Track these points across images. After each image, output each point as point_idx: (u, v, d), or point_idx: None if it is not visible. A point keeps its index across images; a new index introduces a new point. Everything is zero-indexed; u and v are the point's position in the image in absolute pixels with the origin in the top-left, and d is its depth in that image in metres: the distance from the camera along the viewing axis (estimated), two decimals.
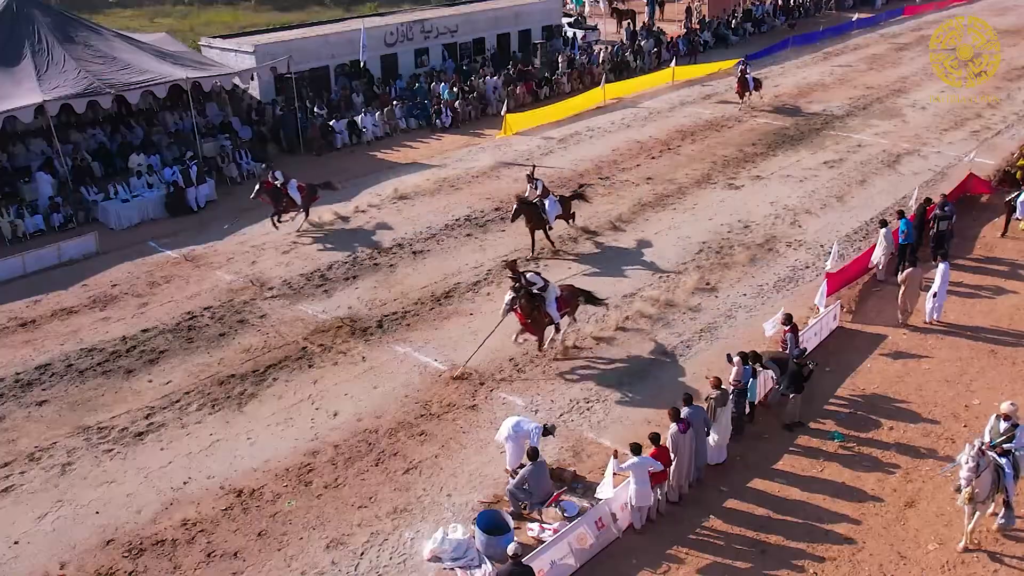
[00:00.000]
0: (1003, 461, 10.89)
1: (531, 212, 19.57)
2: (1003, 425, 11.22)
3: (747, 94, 31.74)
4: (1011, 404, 11.36)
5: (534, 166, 21.88)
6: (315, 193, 21.99)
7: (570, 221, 20.92)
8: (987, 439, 11.21)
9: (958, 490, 10.83)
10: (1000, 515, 11.27)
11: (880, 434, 13.67)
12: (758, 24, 47.39)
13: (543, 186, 20.19)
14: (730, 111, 31.74)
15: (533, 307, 15.28)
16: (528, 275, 15.49)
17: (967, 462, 10.53)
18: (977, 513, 11.02)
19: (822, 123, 30.07)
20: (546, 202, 19.78)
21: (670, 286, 18.42)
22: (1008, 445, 11.03)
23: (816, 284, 17.64)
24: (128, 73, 23.39)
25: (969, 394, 14.58)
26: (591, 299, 16.36)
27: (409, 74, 33.85)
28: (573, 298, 16.10)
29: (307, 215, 21.97)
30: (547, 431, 12.47)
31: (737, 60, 33.71)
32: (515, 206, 19.39)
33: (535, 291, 15.32)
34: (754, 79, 31.83)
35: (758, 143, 27.92)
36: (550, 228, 20.07)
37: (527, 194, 20.16)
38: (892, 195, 23.16)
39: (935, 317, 16.69)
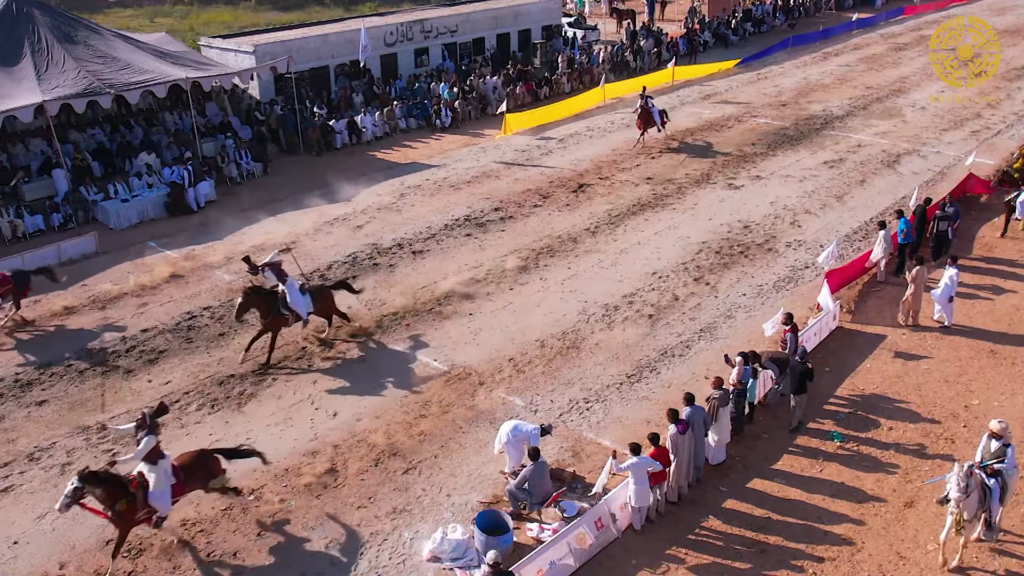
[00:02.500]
0: (991, 482, 10.72)
1: (265, 305, 15.37)
2: (994, 444, 11.06)
3: (650, 129, 27.58)
4: (1001, 423, 11.18)
5: (246, 256, 16.61)
6: (26, 285, 17.21)
7: (330, 322, 16.48)
8: (978, 459, 11.05)
9: (941, 502, 10.77)
10: (982, 530, 11.10)
11: (879, 434, 13.68)
12: (758, 24, 47.40)
13: (278, 271, 15.81)
14: (730, 111, 31.75)
15: (117, 498, 10.79)
16: (142, 438, 11.13)
17: (957, 483, 10.35)
18: (964, 532, 10.85)
19: (822, 123, 30.07)
20: (287, 292, 15.47)
21: (669, 286, 18.42)
22: (999, 465, 10.88)
23: (815, 284, 17.66)
24: (128, 73, 23.41)
25: (968, 394, 14.59)
26: (240, 455, 12.22)
27: (409, 74, 33.87)
28: (204, 471, 11.67)
29: (18, 307, 17.28)
30: (545, 431, 12.50)
31: (640, 89, 28.38)
32: (240, 299, 15.27)
33: (131, 472, 11.11)
34: (660, 112, 27.78)
35: (758, 143, 27.92)
36: (305, 323, 15.96)
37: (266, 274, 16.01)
38: (892, 195, 23.17)
39: (937, 319, 16.64)
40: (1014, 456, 11.07)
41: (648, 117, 27.24)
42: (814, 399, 14.22)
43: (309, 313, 15.85)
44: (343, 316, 16.59)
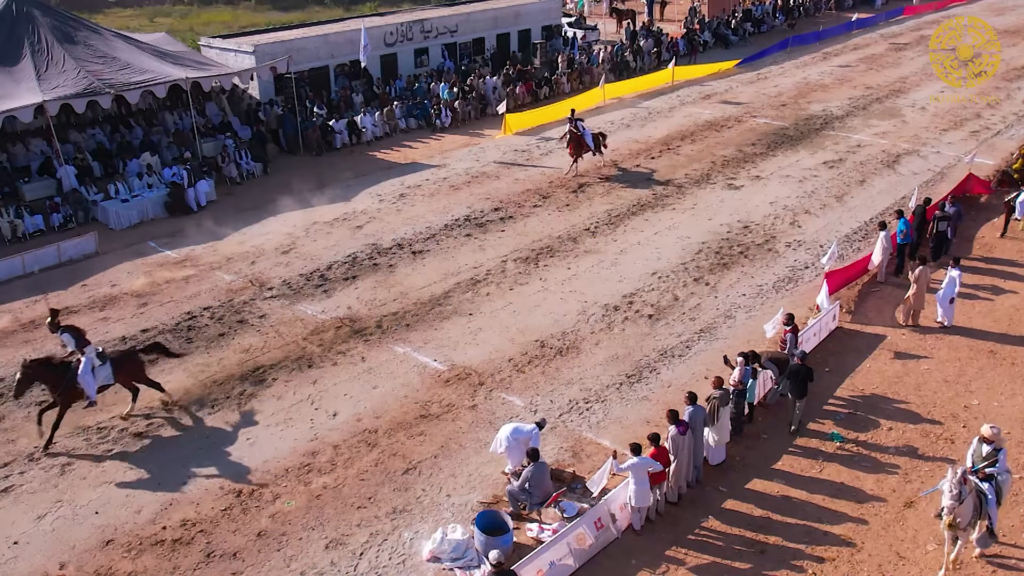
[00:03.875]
0: (985, 486, 10.60)
1: (54, 378, 13.29)
2: (985, 449, 10.92)
3: (581, 157, 24.96)
4: (992, 427, 11.04)
5: (54, 311, 14.75)
6: None
7: (135, 396, 14.20)
8: (969, 464, 10.93)
9: (939, 516, 10.62)
10: (982, 536, 10.91)
11: (879, 434, 13.68)
12: (758, 24, 47.41)
13: (79, 337, 13.75)
14: (730, 111, 31.76)
15: None
16: None
17: (950, 489, 10.20)
18: (959, 540, 10.73)
19: (822, 123, 30.08)
20: (82, 362, 13.36)
21: (669, 286, 18.43)
22: (991, 469, 10.75)
23: (815, 284, 17.67)
24: (128, 73, 23.44)
25: (968, 394, 14.59)
26: None
27: (408, 74, 33.86)
28: None
29: None
30: (539, 426, 12.58)
31: (569, 113, 26.00)
32: (19, 374, 13.17)
33: None
34: (595, 135, 25.06)
35: (757, 143, 27.92)
36: (91, 404, 13.73)
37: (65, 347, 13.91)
38: (892, 195, 23.18)
39: (939, 320, 16.62)
40: (1006, 460, 10.98)
41: (580, 142, 24.60)
42: (814, 399, 14.22)
43: (107, 387, 13.77)
44: (156, 386, 14.37)
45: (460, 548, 11.32)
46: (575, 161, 24.99)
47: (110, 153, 25.44)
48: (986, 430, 11.03)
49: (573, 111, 26.24)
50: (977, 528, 10.82)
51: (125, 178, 23.63)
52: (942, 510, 10.43)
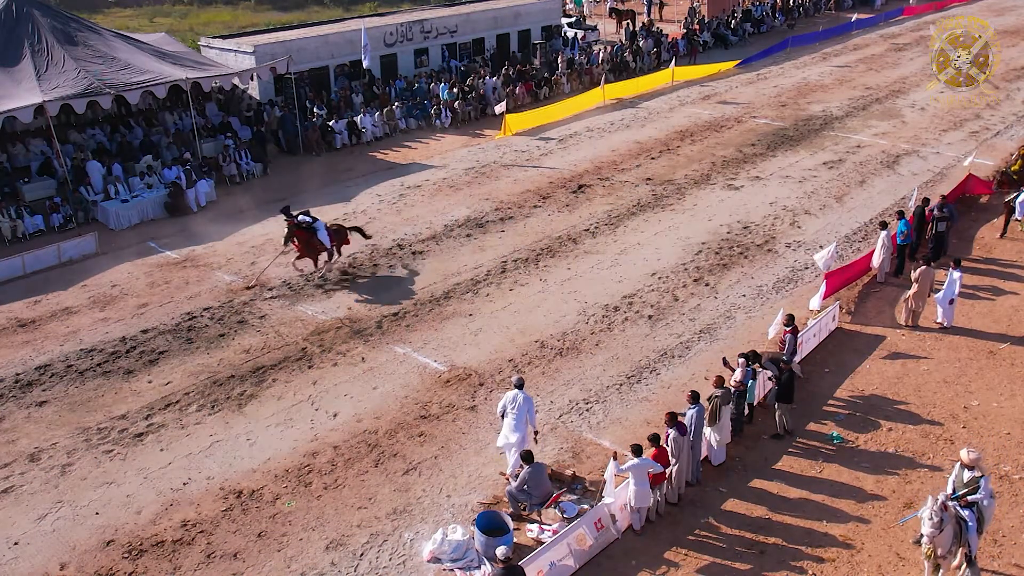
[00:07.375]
0: (966, 514, 10.26)
1: None
2: (966, 475, 10.57)
3: (316, 259, 19.03)
4: (971, 452, 10.67)
5: None
6: None
7: None
8: (950, 490, 10.62)
9: (917, 542, 10.48)
10: (964, 570, 10.63)
11: (879, 435, 13.69)
12: (757, 24, 47.44)
13: None
14: (729, 111, 31.76)
15: None
16: None
17: (930, 517, 9.89)
18: (941, 569, 10.46)
19: (821, 124, 30.09)
20: None
21: (669, 287, 18.44)
22: (972, 497, 10.37)
23: (815, 285, 17.69)
24: (128, 73, 23.43)
25: (968, 395, 14.60)
26: None
27: (409, 74, 33.87)
28: None
29: None
30: (520, 385, 12.66)
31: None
32: None
33: None
34: (332, 229, 18.98)
35: (757, 144, 27.94)
36: None
37: None
38: (891, 196, 23.20)
39: (939, 321, 16.62)
40: (988, 486, 10.64)
41: (310, 242, 18.66)
42: (815, 400, 14.24)
43: None
44: None
45: (460, 549, 11.32)
46: (303, 258, 18.97)
47: (110, 153, 25.43)
48: (965, 455, 10.70)
49: (287, 207, 19.16)
50: (957, 557, 10.53)
51: (126, 178, 23.58)
52: (920, 537, 10.25)
